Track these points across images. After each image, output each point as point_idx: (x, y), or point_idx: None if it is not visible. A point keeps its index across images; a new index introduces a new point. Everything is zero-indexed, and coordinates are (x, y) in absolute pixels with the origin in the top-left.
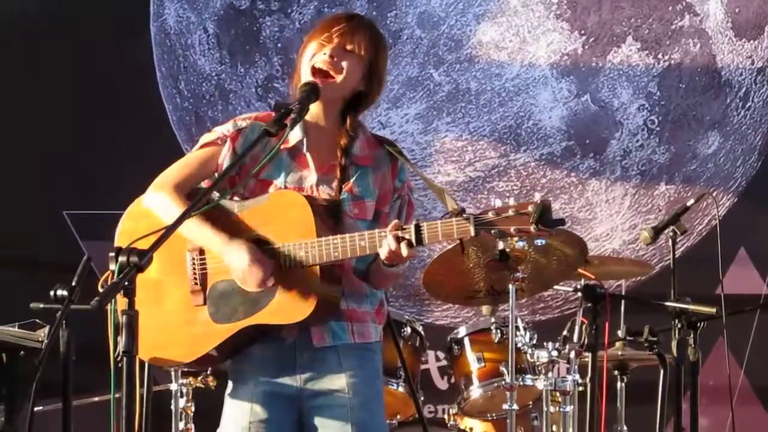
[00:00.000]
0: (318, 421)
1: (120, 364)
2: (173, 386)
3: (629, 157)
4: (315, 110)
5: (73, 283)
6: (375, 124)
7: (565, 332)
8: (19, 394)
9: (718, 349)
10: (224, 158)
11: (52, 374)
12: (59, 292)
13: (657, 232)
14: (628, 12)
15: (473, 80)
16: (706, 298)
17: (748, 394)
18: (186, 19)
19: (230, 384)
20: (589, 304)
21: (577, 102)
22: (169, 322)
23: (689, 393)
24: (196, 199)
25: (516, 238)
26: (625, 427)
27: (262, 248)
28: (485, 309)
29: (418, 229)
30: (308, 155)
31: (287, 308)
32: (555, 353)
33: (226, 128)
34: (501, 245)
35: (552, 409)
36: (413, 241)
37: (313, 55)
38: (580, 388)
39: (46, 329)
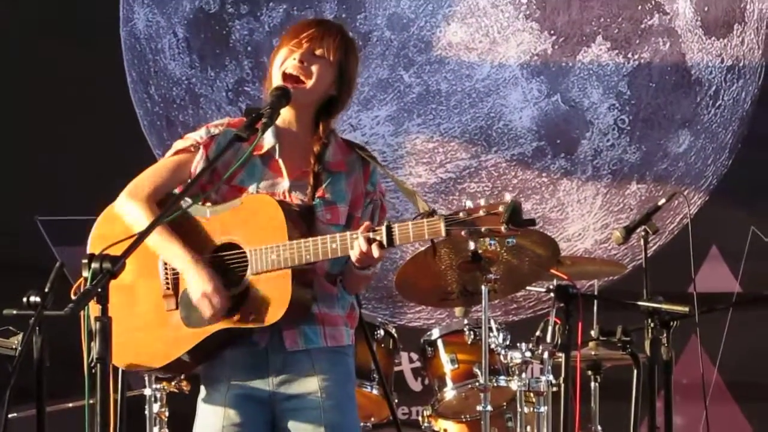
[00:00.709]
0: (291, 424)
1: (94, 370)
2: (147, 391)
3: (600, 156)
4: (287, 116)
5: (46, 290)
6: (345, 126)
7: (538, 333)
8: None
9: (691, 348)
10: (197, 165)
11: (26, 380)
12: (32, 299)
13: (629, 231)
14: (597, 11)
15: (443, 81)
16: (679, 296)
17: (722, 391)
18: (155, 23)
19: (203, 389)
20: (562, 305)
21: (548, 102)
22: (142, 326)
23: (663, 392)
24: (167, 206)
25: (487, 238)
26: (599, 427)
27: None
28: (458, 310)
29: (389, 230)
30: (281, 161)
31: (258, 312)
32: (528, 354)
33: (198, 135)
34: (472, 246)
35: (526, 409)
36: (384, 242)
37: (284, 61)
38: (554, 389)
39: (20, 336)
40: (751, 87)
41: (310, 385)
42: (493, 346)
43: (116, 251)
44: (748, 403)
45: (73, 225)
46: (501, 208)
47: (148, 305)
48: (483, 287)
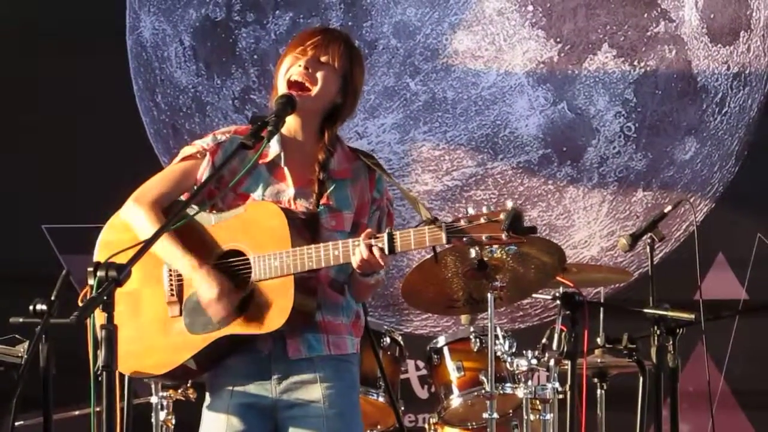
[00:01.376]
0: (293, 431)
1: (100, 378)
2: (154, 399)
3: (606, 164)
4: (293, 125)
5: (52, 298)
6: (352, 134)
7: (544, 340)
8: None
9: (697, 355)
10: (203, 172)
11: (32, 388)
12: (38, 307)
13: (635, 239)
14: (603, 19)
15: (449, 89)
16: (685, 304)
17: (728, 399)
18: (162, 31)
19: (207, 396)
20: (568, 312)
21: (554, 110)
22: (147, 333)
23: (669, 399)
24: (173, 214)
25: (488, 246)
26: None
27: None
28: (464, 318)
29: (390, 237)
30: (286, 169)
31: (260, 318)
32: (534, 361)
33: (205, 142)
34: (473, 253)
35: (532, 417)
36: (386, 249)
37: (289, 68)
38: (560, 396)
39: (26, 344)
40: (758, 94)
41: (313, 393)
42: (499, 353)
43: (122, 259)
44: (755, 411)
45: (79, 233)
46: (502, 216)
47: (153, 312)
48: (489, 295)
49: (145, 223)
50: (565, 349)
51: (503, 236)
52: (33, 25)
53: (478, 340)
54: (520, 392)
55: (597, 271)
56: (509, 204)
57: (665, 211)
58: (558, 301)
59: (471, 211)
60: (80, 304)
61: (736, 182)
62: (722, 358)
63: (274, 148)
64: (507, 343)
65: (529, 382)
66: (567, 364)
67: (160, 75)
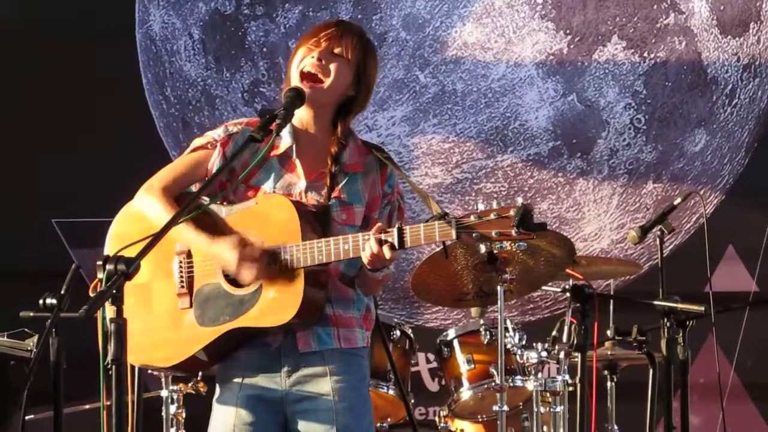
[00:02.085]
0: (303, 425)
1: (110, 372)
2: (164, 393)
3: (616, 156)
4: (305, 117)
5: (62, 292)
6: (362, 126)
7: (554, 333)
8: (10, 403)
9: (707, 347)
10: (214, 163)
11: (43, 382)
12: (48, 301)
13: (645, 231)
14: (613, 11)
15: (459, 81)
16: (695, 296)
17: (739, 391)
18: (171, 25)
19: (217, 388)
20: (578, 304)
21: (564, 102)
22: (157, 325)
23: (679, 391)
24: (185, 204)
25: (497, 242)
26: (615, 427)
27: None
28: (474, 311)
29: (400, 232)
30: (297, 162)
31: (271, 312)
32: (544, 354)
33: (217, 133)
34: (483, 247)
35: (542, 409)
36: (395, 243)
37: (302, 60)
38: (570, 389)
39: (35, 338)
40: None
41: (323, 386)
42: (509, 346)
43: (132, 252)
44: (766, 403)
45: (89, 227)
46: (512, 212)
47: (163, 304)
48: (499, 287)
49: (159, 210)
50: (575, 342)
51: (513, 232)
52: (43, 19)
53: (488, 332)
54: (531, 385)
55: (607, 264)
56: (519, 200)
57: (675, 203)
58: (568, 294)
59: (481, 206)
60: (91, 296)
61: (747, 174)
62: (732, 351)
63: (286, 140)
64: (517, 335)
65: (540, 375)
66: (577, 357)
67: (170, 68)
